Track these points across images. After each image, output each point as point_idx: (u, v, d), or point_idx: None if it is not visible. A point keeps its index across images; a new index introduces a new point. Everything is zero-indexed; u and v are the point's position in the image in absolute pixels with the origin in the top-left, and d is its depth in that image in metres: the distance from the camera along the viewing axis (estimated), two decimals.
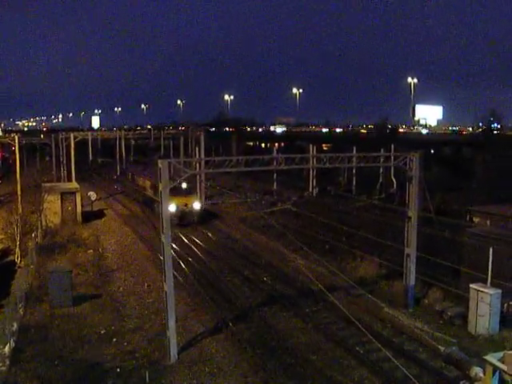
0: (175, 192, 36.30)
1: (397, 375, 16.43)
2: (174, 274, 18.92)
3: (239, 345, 19.42)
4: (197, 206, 41.10)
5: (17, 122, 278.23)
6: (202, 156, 48.36)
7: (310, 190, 52.95)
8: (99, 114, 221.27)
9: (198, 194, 44.13)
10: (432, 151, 77.51)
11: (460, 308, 21.47)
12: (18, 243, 31.28)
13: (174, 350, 18.26)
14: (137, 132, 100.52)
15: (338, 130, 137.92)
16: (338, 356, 18.51)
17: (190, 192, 41.65)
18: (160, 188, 18.04)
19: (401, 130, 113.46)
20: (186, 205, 39.94)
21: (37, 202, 38.45)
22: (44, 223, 38.23)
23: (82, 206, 42.68)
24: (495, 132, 76.91)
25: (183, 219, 39.66)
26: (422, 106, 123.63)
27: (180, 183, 37.33)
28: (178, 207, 38.57)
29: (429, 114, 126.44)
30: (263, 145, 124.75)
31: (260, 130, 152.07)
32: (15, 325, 20.19)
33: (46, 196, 39.06)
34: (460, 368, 16.85)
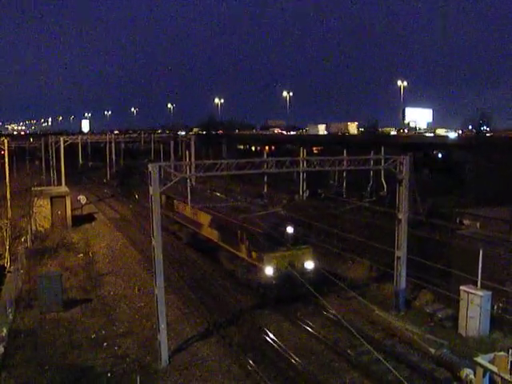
0: (274, 241, 23.40)
1: (388, 378, 16.46)
2: (165, 278, 18.85)
3: (230, 348, 19.40)
4: (310, 265, 23.94)
5: (6, 126, 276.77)
6: (193, 160, 48.32)
7: (301, 193, 52.97)
8: (89, 118, 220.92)
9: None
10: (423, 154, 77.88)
11: (450, 310, 21.57)
12: (7, 248, 31.05)
13: (165, 354, 18.21)
14: (127, 136, 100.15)
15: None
16: (330, 359, 18.54)
17: (298, 241, 24.58)
18: (151, 192, 17.98)
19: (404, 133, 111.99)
20: (292, 264, 23.35)
21: (26, 206, 38.20)
22: (34, 227, 38.01)
23: (72, 209, 42.48)
24: (487, 134, 77.37)
25: (287, 289, 23.05)
26: (411, 108, 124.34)
27: (285, 227, 24.11)
28: (278, 268, 23.15)
29: (419, 117, 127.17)
30: (253, 148, 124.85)
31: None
32: (5, 330, 20.03)
33: (35, 200, 38.82)
34: (451, 370, 16.99)
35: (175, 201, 37.29)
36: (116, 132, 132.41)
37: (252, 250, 24.53)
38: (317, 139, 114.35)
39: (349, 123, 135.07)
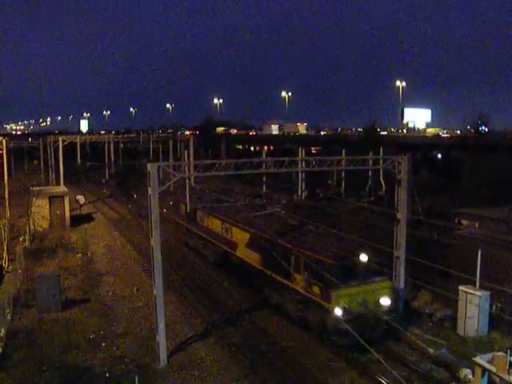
0: (344, 273, 19.03)
1: (387, 378, 16.46)
2: (163, 278, 18.81)
3: (229, 348, 19.39)
4: (386, 302, 19.27)
5: (4, 126, 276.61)
6: (191, 160, 48.21)
7: (300, 192, 52.98)
8: (88, 118, 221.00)
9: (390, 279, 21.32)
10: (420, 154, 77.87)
11: (449, 310, 21.57)
12: (5, 247, 31.02)
13: (163, 354, 18.19)
14: (125, 136, 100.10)
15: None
16: (328, 359, 18.53)
17: (373, 272, 19.85)
18: (149, 192, 17.93)
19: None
20: (364, 301, 18.82)
21: (25, 206, 38.18)
22: (32, 227, 37.97)
23: (70, 209, 42.43)
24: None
25: (360, 332, 16.27)
26: (410, 109, 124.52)
27: (355, 256, 19.47)
28: (349, 308, 18.45)
29: (417, 117, 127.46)
30: (252, 148, 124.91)
31: None
32: (3, 330, 20.01)
33: (34, 200, 38.80)
34: (449, 370, 17.00)
35: (199, 212, 32.62)
36: (102, 132, 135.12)
37: (313, 284, 19.70)
38: (270, 138, 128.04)
39: (298, 124, 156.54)
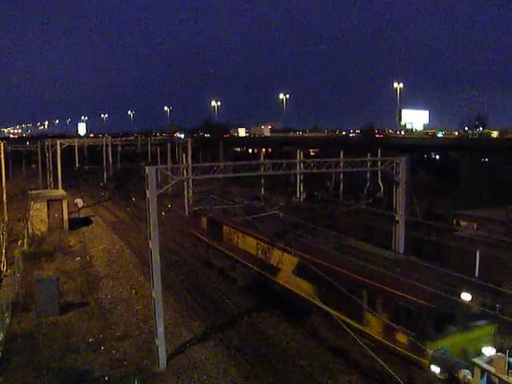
0: (440, 318, 15.25)
1: (387, 379, 16.41)
2: (162, 280, 18.79)
3: (228, 351, 19.36)
4: (490, 352, 13.49)
5: (2, 129, 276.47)
6: (190, 162, 48.18)
7: (298, 195, 53.01)
8: (86, 121, 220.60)
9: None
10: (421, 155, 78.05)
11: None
12: (3, 251, 30.94)
13: (162, 358, 18.16)
14: (123, 138, 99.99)
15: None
16: (328, 361, 18.52)
17: (477, 316, 15.70)
18: (148, 195, 17.92)
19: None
20: (464, 352, 14.97)
21: (23, 209, 38.10)
22: (30, 231, 37.91)
23: (68, 213, 42.36)
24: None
25: None
26: (408, 110, 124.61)
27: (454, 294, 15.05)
28: (449, 367, 14.66)
29: (415, 119, 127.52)
30: (250, 150, 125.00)
31: None
32: (1, 334, 19.95)
33: (32, 203, 38.74)
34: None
35: (225, 227, 27.47)
36: (91, 135, 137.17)
37: (397, 330, 15.63)
38: (236, 140, 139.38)
39: (263, 127, 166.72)
